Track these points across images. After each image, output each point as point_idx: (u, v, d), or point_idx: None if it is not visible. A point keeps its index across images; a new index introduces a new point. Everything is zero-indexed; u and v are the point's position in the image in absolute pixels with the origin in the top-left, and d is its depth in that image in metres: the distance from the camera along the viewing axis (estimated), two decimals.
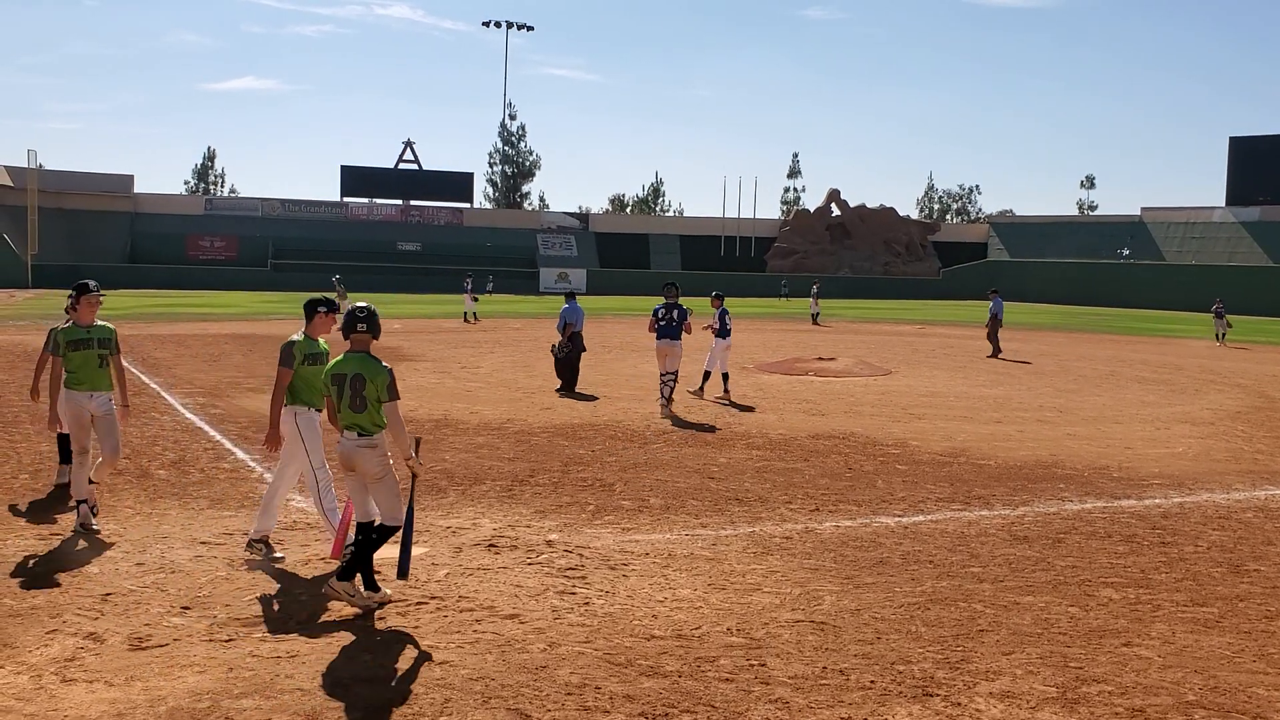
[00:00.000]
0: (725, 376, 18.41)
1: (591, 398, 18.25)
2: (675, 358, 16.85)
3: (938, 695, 5.87)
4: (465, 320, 40.11)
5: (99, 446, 9.14)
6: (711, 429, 15.21)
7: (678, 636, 6.73)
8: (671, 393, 16.73)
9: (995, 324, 29.69)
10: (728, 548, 8.86)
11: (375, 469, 7.12)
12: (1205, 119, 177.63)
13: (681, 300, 17.21)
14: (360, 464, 7.10)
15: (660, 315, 17.04)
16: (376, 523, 7.21)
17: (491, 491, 10.84)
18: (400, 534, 7.21)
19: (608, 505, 10.37)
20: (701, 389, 18.47)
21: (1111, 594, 7.84)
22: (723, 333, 18.50)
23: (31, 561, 8.09)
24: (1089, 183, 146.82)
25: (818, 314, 45.10)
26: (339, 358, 7.30)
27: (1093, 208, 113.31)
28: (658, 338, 17.03)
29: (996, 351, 28.77)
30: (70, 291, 9.40)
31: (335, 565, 7.70)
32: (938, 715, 5.63)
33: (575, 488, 11.09)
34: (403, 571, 7.13)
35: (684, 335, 16.90)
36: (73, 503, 9.07)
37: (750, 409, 17.28)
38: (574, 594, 7.57)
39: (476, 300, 41.91)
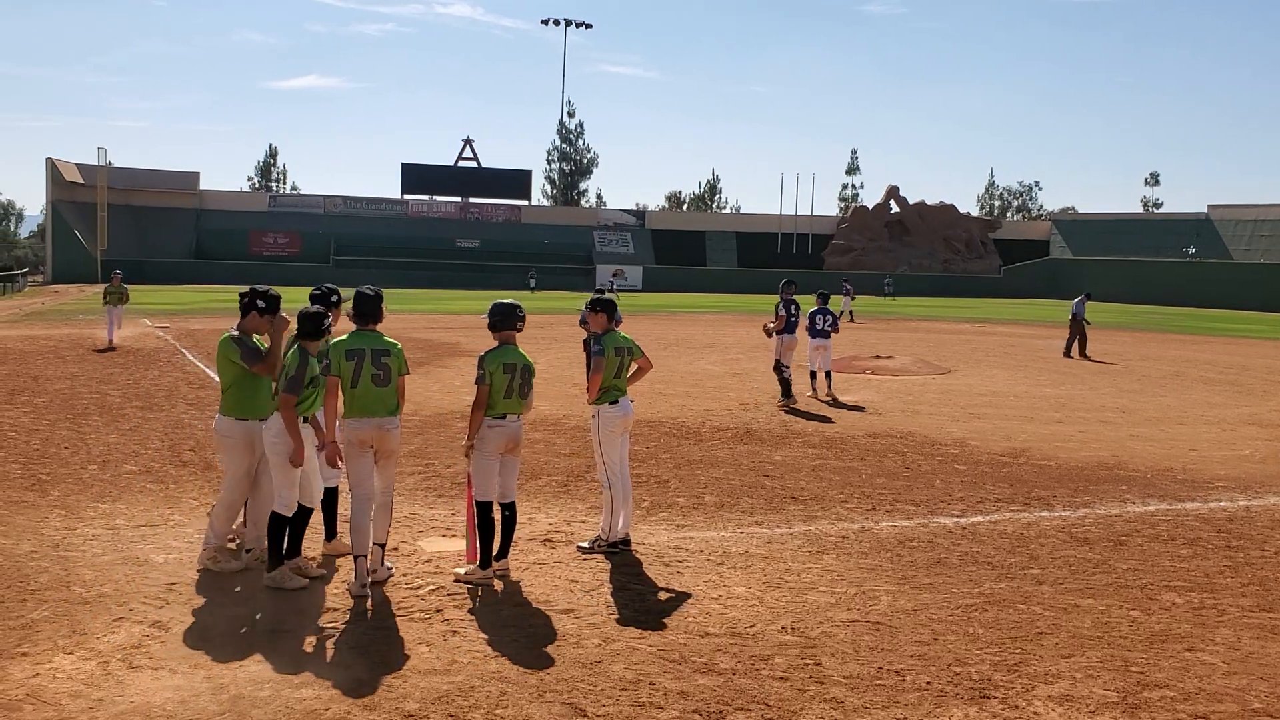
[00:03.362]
0: (828, 375, 18.78)
1: (646, 395, 18.25)
2: (794, 350, 18.01)
3: (995, 697, 5.81)
4: None
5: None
6: (767, 427, 15.17)
7: (732, 634, 6.73)
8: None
9: (1076, 325, 28.62)
10: (783, 546, 8.84)
11: (521, 443, 8.01)
12: (1274, 114, 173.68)
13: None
14: (520, 440, 7.95)
15: (781, 312, 18.04)
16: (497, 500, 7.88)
17: (547, 487, 10.91)
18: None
19: (662, 502, 10.39)
20: (815, 390, 18.52)
21: (1174, 598, 7.71)
22: (811, 332, 18.72)
23: (100, 551, 8.27)
24: (1154, 180, 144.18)
25: (851, 312, 43.42)
26: (500, 349, 7.87)
27: (1158, 205, 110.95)
28: (785, 332, 17.96)
29: (1069, 352, 28.35)
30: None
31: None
32: (995, 718, 5.57)
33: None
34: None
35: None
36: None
37: (843, 406, 17.22)
38: (629, 589, 7.59)
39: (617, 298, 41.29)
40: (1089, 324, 28.98)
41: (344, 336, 7.58)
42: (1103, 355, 28.83)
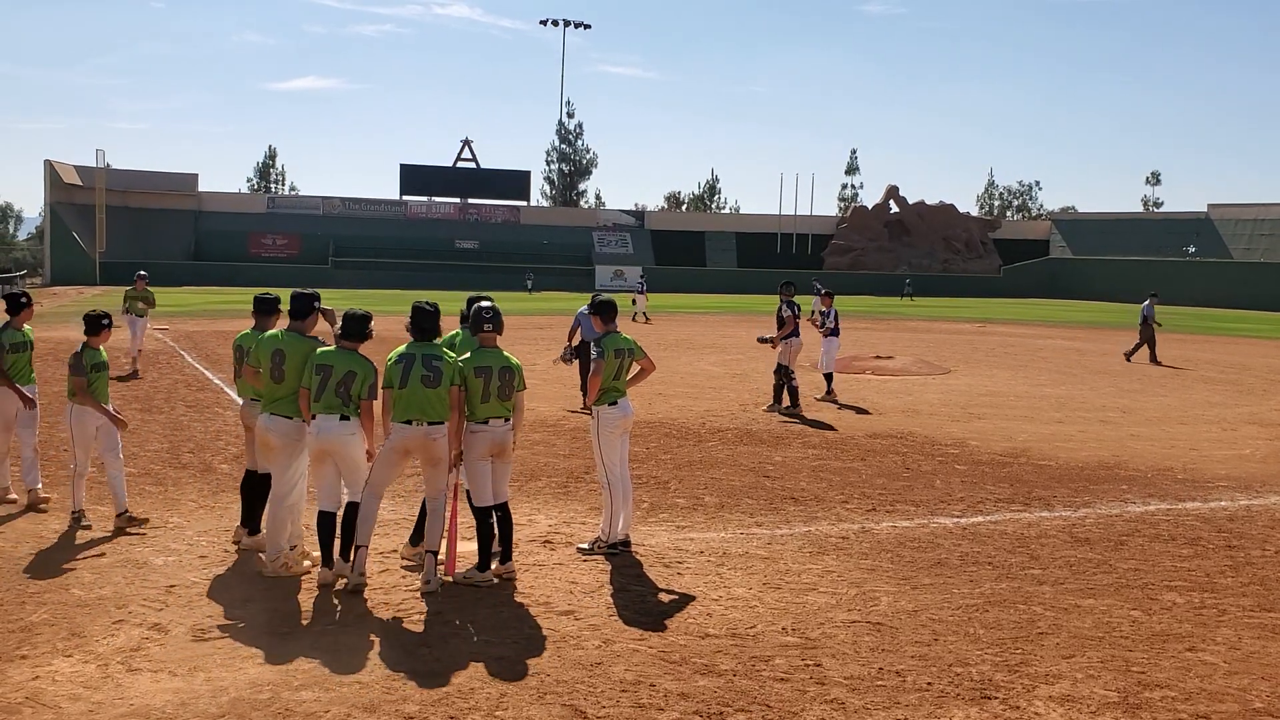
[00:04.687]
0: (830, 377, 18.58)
1: (646, 396, 18.23)
2: (800, 354, 17.27)
3: (996, 698, 5.80)
4: (632, 320, 38.25)
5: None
6: (767, 428, 15.16)
7: (732, 635, 6.72)
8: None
9: (1147, 328, 27.18)
10: (783, 547, 8.83)
11: (511, 448, 7.88)
12: (1275, 113, 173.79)
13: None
14: (507, 445, 7.81)
15: (787, 313, 17.00)
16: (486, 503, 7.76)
17: (547, 488, 10.90)
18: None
19: (662, 503, 10.38)
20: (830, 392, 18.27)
21: (1175, 598, 7.70)
22: (835, 331, 18.59)
23: (99, 553, 8.26)
24: (1154, 179, 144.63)
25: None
26: (474, 351, 7.74)
27: (1158, 204, 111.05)
28: (792, 336, 16.99)
29: (1145, 354, 27.03)
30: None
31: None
32: (996, 718, 5.56)
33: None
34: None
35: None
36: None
37: (844, 406, 17.20)
38: (629, 591, 7.58)
39: (646, 299, 40.95)
40: (1159, 325, 27.60)
41: (401, 348, 7.58)
42: (1103, 354, 28.82)
